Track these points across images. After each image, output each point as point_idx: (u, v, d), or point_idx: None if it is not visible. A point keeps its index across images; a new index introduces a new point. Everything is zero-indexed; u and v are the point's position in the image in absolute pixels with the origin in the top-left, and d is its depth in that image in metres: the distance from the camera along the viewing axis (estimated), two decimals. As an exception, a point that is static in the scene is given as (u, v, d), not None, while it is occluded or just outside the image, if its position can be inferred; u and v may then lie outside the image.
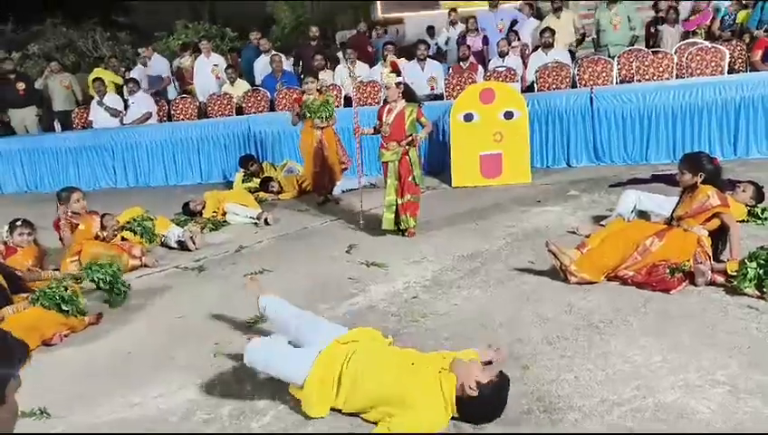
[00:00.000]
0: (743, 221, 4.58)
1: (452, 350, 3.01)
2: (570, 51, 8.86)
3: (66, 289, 3.87)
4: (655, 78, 7.66)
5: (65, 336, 3.83)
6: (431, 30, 11.31)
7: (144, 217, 5.46)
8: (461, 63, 8.82)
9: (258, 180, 7.47)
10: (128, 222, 5.35)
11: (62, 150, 9.30)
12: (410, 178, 5.19)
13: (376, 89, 8.45)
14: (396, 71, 5.32)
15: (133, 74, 10.28)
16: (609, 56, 8.17)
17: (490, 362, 2.90)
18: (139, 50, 10.70)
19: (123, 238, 5.47)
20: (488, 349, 3.04)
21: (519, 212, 5.68)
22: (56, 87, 10.64)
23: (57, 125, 10.56)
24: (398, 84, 5.22)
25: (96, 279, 4.28)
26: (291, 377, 2.80)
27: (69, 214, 4.98)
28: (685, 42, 8.22)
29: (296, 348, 2.95)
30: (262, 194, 7.26)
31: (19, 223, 4.74)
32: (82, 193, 5.14)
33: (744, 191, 4.81)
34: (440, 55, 10.29)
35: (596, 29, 8.80)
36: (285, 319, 3.20)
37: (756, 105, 6.76)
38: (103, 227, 5.13)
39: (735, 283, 3.55)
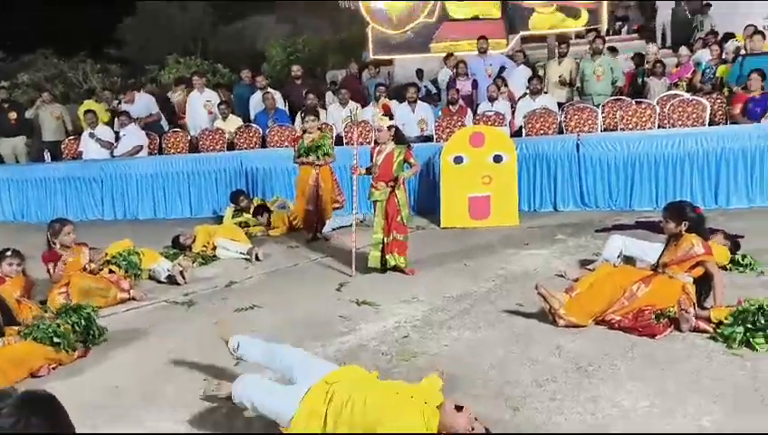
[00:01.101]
0: (725, 268, 4.70)
1: (443, 391, 3.02)
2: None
3: (59, 326, 3.86)
4: (638, 127, 7.90)
5: (53, 368, 3.79)
6: (420, 72, 11.58)
7: (130, 251, 5.44)
8: (450, 107, 9.02)
9: (248, 215, 7.50)
10: (113, 256, 5.33)
11: (50, 180, 9.26)
12: (398, 218, 5.34)
13: (367, 129, 8.59)
14: (388, 114, 5.50)
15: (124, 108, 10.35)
16: (594, 105, 8.43)
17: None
18: (119, 96, 10.78)
19: (111, 271, 5.46)
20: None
21: (507, 254, 5.77)
22: (47, 117, 10.68)
23: (47, 155, 10.56)
24: (389, 127, 5.41)
25: (70, 322, 4.12)
26: (278, 415, 2.79)
27: (59, 247, 4.95)
28: (667, 93, 8.50)
29: (283, 386, 2.94)
30: (252, 229, 7.28)
31: (8, 253, 4.71)
32: (73, 226, 5.14)
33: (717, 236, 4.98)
34: (429, 97, 10.52)
35: (580, 79, 9.08)
36: (262, 355, 3.22)
37: (737, 156, 6.99)
38: (91, 260, 5.11)
39: (724, 342, 3.60)
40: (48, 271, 4.98)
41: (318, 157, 6.59)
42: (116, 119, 9.88)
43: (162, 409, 3.26)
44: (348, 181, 7.25)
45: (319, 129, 6.78)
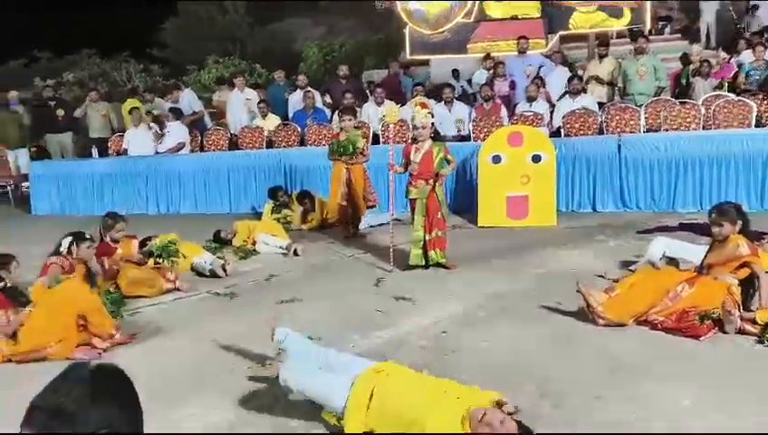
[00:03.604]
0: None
1: (481, 387, 3.04)
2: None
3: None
4: (682, 128, 7.76)
5: (99, 354, 3.91)
6: (456, 72, 11.53)
7: (167, 241, 5.57)
8: (483, 104, 9.00)
9: (287, 211, 7.62)
10: (150, 250, 5.43)
11: (96, 176, 9.55)
12: (438, 215, 5.38)
13: (404, 128, 8.64)
14: (430, 111, 5.52)
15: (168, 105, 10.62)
16: (636, 105, 8.31)
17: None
18: (165, 97, 11.06)
19: (157, 263, 5.62)
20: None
21: (545, 254, 5.74)
22: (93, 115, 11.02)
23: (94, 151, 10.90)
24: (432, 124, 5.44)
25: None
26: (328, 402, 2.85)
27: (109, 240, 5.10)
28: (712, 94, 8.34)
29: (332, 373, 3.01)
30: (289, 216, 7.41)
31: (87, 236, 4.77)
32: (126, 223, 5.26)
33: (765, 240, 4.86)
34: (465, 97, 10.50)
35: (623, 79, 8.94)
36: (306, 350, 3.28)
37: (784, 159, 6.83)
38: (141, 250, 5.27)
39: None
40: (101, 265, 5.12)
41: (350, 156, 6.65)
42: (159, 116, 10.13)
43: (207, 394, 3.36)
44: (385, 179, 7.30)
45: (356, 127, 6.84)
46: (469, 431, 2.56)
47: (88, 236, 4.74)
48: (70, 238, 4.52)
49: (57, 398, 1.34)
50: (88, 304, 4.07)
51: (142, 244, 5.46)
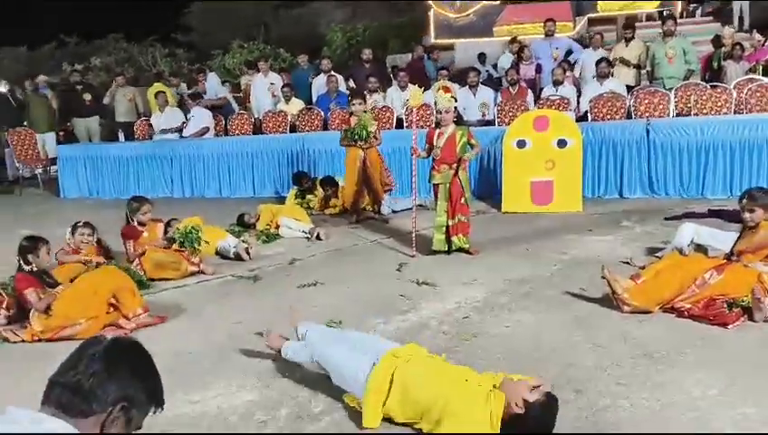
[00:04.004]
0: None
1: (505, 370, 3.04)
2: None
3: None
4: (713, 112, 7.58)
5: (127, 334, 3.98)
6: (482, 56, 11.40)
7: (189, 228, 5.60)
8: (510, 88, 8.88)
9: (310, 196, 7.63)
10: (171, 236, 5.43)
11: (123, 159, 9.69)
12: (462, 200, 5.33)
13: (428, 112, 8.58)
14: (453, 96, 5.44)
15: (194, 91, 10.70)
16: (665, 88, 8.12)
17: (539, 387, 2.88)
18: (191, 87, 11.15)
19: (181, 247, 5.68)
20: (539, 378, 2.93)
21: (570, 240, 5.67)
22: (120, 99, 11.16)
23: (121, 135, 11.04)
24: (455, 109, 5.38)
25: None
26: (347, 383, 2.87)
27: (136, 224, 5.20)
28: (744, 78, 8.12)
29: (353, 352, 2.99)
30: (311, 201, 7.45)
31: (80, 224, 5.00)
32: (151, 205, 5.35)
33: None
34: (491, 81, 10.37)
35: (651, 62, 8.74)
36: (330, 339, 3.27)
37: (818, 144, 6.63)
38: (165, 233, 5.34)
39: None
40: (126, 247, 5.22)
41: (363, 139, 6.61)
42: (187, 100, 10.20)
43: (231, 375, 3.39)
44: (408, 163, 7.26)
45: (365, 111, 6.80)
46: (496, 418, 2.56)
47: (80, 225, 5.04)
48: (69, 229, 4.95)
49: (75, 374, 1.36)
50: (124, 282, 4.22)
51: (166, 225, 5.51)
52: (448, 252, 5.42)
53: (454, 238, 5.38)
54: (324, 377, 3.07)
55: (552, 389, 2.82)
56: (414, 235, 5.57)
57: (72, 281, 4.26)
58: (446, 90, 5.42)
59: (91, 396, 1.35)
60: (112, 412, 1.37)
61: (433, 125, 8.32)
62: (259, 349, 3.66)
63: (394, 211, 7.17)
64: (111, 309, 4.13)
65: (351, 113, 6.85)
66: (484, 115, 8.75)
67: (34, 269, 4.15)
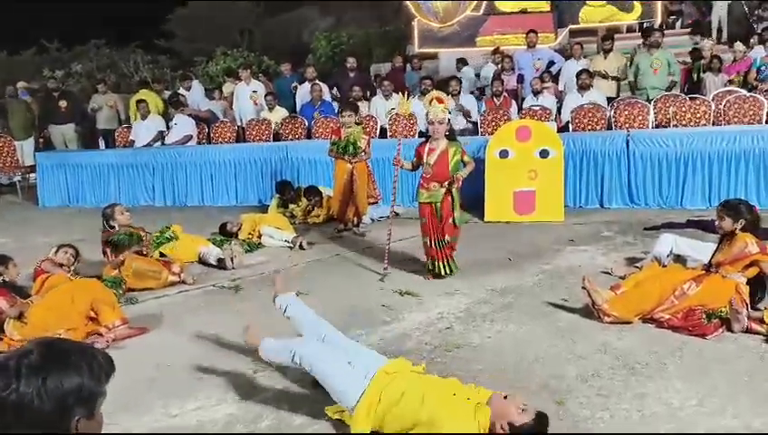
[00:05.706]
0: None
1: (486, 382, 3.04)
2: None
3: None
4: (692, 124, 7.69)
5: (107, 344, 3.93)
6: (462, 61, 11.23)
7: (166, 234, 5.56)
8: (494, 99, 8.95)
9: (293, 206, 7.60)
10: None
11: (104, 167, 9.56)
12: (451, 220, 4.99)
13: (412, 121, 8.61)
14: (446, 107, 5.04)
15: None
16: (648, 100, 8.23)
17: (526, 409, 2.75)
18: (178, 84, 11.07)
19: (162, 254, 5.65)
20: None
21: (552, 250, 5.71)
22: (101, 106, 11.03)
23: (101, 142, 10.92)
24: (447, 121, 5.03)
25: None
26: (335, 394, 2.86)
27: (118, 228, 5.15)
28: (723, 90, 8.26)
29: (346, 367, 2.94)
30: (295, 210, 7.42)
31: (66, 245, 4.96)
32: (125, 207, 5.34)
33: None
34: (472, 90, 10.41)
35: (634, 73, 8.84)
36: (310, 321, 3.31)
37: (795, 156, 6.75)
38: (146, 245, 5.29)
39: None
40: (105, 254, 5.16)
41: (351, 154, 6.56)
42: (168, 107, 10.13)
43: (210, 388, 3.36)
44: (390, 173, 7.26)
45: (357, 123, 6.78)
46: (484, 431, 2.57)
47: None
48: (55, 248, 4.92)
49: (8, 392, 1.30)
50: (102, 294, 4.19)
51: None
52: (432, 273, 5.11)
53: (438, 264, 5.03)
54: (306, 391, 3.05)
55: (531, 397, 2.84)
56: (387, 248, 5.34)
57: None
58: (440, 100, 5.04)
59: (29, 408, 1.30)
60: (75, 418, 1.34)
61: (416, 135, 8.43)
62: (240, 361, 3.63)
63: (373, 220, 7.17)
64: (89, 322, 4.07)
65: (342, 125, 6.76)
66: (468, 116, 8.74)
67: (6, 280, 4.10)
